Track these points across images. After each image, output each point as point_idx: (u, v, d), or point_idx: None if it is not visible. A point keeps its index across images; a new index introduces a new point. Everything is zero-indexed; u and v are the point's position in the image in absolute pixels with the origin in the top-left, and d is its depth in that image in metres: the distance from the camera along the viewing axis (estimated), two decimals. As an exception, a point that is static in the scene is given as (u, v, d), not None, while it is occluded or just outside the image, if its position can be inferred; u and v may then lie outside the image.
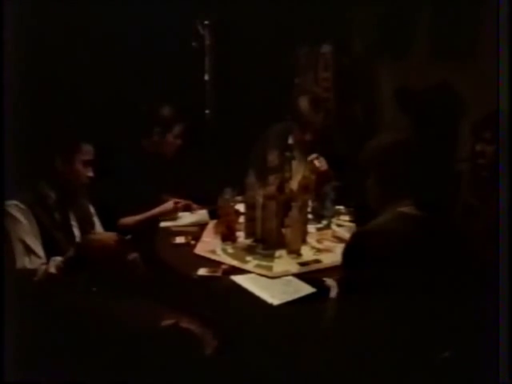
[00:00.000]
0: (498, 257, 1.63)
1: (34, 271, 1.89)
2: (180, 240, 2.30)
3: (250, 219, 2.28)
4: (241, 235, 2.32)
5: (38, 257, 1.92)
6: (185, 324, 1.87)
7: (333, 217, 2.58)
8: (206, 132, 3.80)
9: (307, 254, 2.16)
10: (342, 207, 2.71)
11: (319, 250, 2.20)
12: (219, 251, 2.19)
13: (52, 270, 1.88)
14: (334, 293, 1.71)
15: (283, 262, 2.08)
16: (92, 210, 2.23)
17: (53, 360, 1.80)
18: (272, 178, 2.34)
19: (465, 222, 2.07)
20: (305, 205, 2.31)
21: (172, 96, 3.06)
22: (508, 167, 1.74)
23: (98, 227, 2.23)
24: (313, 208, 2.57)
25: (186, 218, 2.60)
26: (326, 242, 2.29)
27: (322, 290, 1.77)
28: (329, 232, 2.43)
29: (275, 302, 1.75)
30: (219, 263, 2.05)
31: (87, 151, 2.05)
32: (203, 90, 3.81)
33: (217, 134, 3.83)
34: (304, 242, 2.26)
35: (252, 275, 1.96)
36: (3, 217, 1.77)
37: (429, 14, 3.56)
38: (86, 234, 2.09)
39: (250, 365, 1.74)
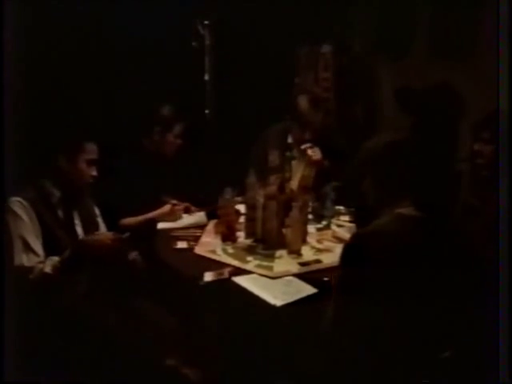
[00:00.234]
0: (498, 257, 1.63)
1: (30, 269, 1.89)
2: (182, 245, 2.29)
3: (251, 219, 2.28)
4: (241, 235, 2.33)
5: (37, 255, 1.91)
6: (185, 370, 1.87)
7: (333, 217, 2.58)
8: (206, 132, 3.80)
9: (307, 254, 2.16)
10: (342, 207, 2.71)
11: (319, 250, 2.20)
12: (219, 251, 2.19)
13: (47, 269, 1.88)
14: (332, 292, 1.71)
15: (284, 262, 2.08)
16: (97, 210, 2.22)
17: (53, 360, 1.80)
18: (272, 178, 2.35)
19: (465, 222, 2.07)
20: (305, 205, 2.31)
21: (172, 96, 3.06)
22: (508, 167, 1.74)
23: (103, 228, 2.22)
24: (313, 208, 2.57)
25: (183, 220, 2.60)
26: (326, 243, 2.30)
27: (323, 290, 1.78)
28: (329, 232, 2.43)
29: (278, 302, 1.75)
30: (223, 265, 2.04)
31: (91, 150, 2.05)
32: (203, 90, 3.81)
33: (217, 134, 3.83)
34: (304, 242, 2.26)
35: (252, 275, 1.96)
36: (4, 215, 1.76)
37: (429, 14, 3.56)
38: (88, 234, 2.08)
39: (251, 365, 1.75)
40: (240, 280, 1.92)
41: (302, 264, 2.06)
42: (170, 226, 2.53)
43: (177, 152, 2.75)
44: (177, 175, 2.73)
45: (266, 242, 2.21)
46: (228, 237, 2.30)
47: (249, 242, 2.28)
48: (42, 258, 1.92)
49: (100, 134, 2.15)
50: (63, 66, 3.13)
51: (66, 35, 3.14)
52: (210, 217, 2.58)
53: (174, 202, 2.63)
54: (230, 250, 2.20)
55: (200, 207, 2.71)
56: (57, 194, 2.01)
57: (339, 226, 2.53)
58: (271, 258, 2.12)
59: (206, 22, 3.72)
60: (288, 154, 2.53)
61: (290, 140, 2.84)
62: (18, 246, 1.90)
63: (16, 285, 1.66)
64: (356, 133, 3.32)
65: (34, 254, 1.91)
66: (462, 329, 1.46)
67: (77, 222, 2.09)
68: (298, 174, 2.51)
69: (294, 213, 2.16)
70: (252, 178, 2.31)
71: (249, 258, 2.11)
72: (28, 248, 1.91)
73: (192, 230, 2.47)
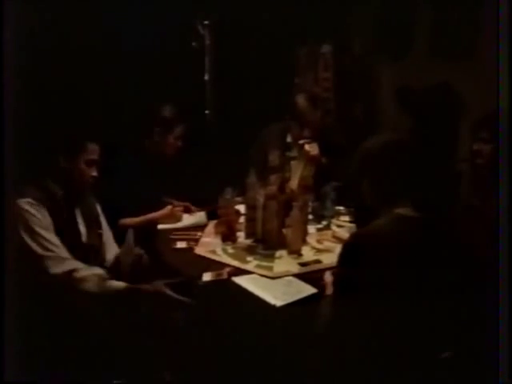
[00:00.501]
0: (498, 257, 1.63)
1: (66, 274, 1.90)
2: (181, 245, 2.29)
3: (251, 219, 2.28)
4: (241, 235, 2.33)
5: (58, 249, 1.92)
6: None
7: (333, 217, 2.58)
8: (207, 132, 3.80)
9: (307, 254, 2.16)
10: (342, 207, 2.71)
11: (319, 251, 2.20)
12: (219, 251, 2.19)
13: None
14: (329, 291, 1.71)
15: (284, 263, 2.08)
16: (99, 209, 2.23)
17: (53, 360, 1.80)
18: (273, 178, 2.34)
19: (464, 222, 2.07)
20: (305, 204, 2.31)
21: (172, 96, 3.06)
22: (508, 167, 1.74)
23: (105, 227, 2.23)
24: (313, 208, 2.57)
25: (184, 220, 2.60)
26: (326, 243, 2.29)
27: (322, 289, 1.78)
28: (329, 232, 2.43)
29: (278, 303, 1.75)
30: (223, 265, 2.04)
31: (92, 150, 2.05)
32: (203, 90, 3.81)
33: (217, 134, 3.83)
34: (304, 242, 2.26)
35: (252, 276, 1.96)
36: (3, 217, 1.76)
37: (429, 14, 3.56)
38: (91, 231, 2.10)
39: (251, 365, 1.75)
40: (240, 280, 1.92)
41: (302, 264, 2.06)
42: (171, 226, 2.53)
43: (177, 152, 2.75)
44: (177, 175, 2.73)
45: (266, 242, 2.21)
46: (228, 237, 2.30)
47: (249, 242, 2.28)
48: (66, 254, 1.93)
49: (100, 135, 2.15)
50: (63, 66, 3.13)
51: (67, 35, 3.14)
52: (210, 217, 2.58)
53: (175, 203, 2.63)
54: (230, 250, 2.20)
55: (200, 207, 2.71)
56: (60, 193, 2.01)
57: (339, 226, 2.53)
58: (271, 258, 2.12)
59: (206, 22, 3.73)
60: (288, 153, 2.53)
61: (289, 139, 2.84)
62: (37, 243, 1.90)
63: (18, 285, 1.66)
64: (356, 132, 3.31)
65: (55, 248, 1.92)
66: (462, 329, 1.46)
67: (79, 221, 2.10)
68: (297, 174, 2.51)
69: (294, 213, 2.16)
70: (252, 178, 2.31)
71: (249, 258, 2.11)
72: (50, 244, 1.91)
73: (192, 232, 2.46)
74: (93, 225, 2.14)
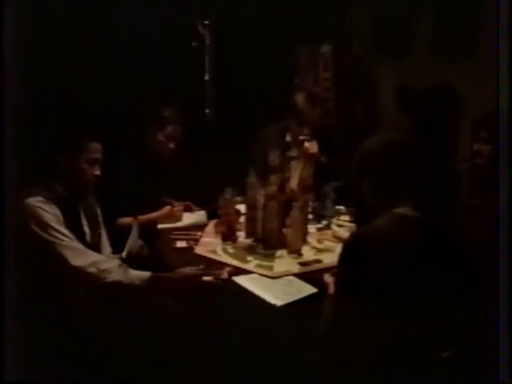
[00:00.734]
0: (498, 257, 1.63)
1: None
2: (181, 244, 2.29)
3: (251, 219, 2.28)
4: (241, 235, 2.33)
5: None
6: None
7: (333, 217, 2.59)
8: (207, 132, 3.80)
9: (308, 253, 2.16)
10: (342, 207, 2.71)
11: (320, 250, 2.20)
12: (220, 251, 2.19)
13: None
14: (331, 290, 1.71)
15: (284, 262, 2.09)
16: (98, 210, 2.23)
17: (53, 360, 1.80)
18: (273, 178, 2.34)
19: (464, 222, 2.07)
20: (305, 204, 2.32)
21: (172, 96, 3.06)
22: (508, 167, 1.74)
23: (103, 228, 2.22)
24: (313, 208, 2.57)
25: (184, 220, 2.60)
26: (327, 242, 2.30)
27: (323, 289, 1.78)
28: (329, 232, 2.43)
29: (278, 302, 1.75)
30: (223, 265, 2.04)
31: (95, 149, 2.04)
32: (203, 90, 3.81)
33: (217, 133, 3.83)
34: (304, 241, 2.26)
35: (252, 275, 1.96)
36: (3, 215, 1.76)
37: (429, 14, 3.56)
38: (93, 231, 2.10)
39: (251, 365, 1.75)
40: (240, 280, 1.92)
41: (303, 264, 2.06)
42: (171, 226, 2.53)
43: (170, 152, 2.74)
44: (177, 175, 2.72)
45: (267, 242, 2.21)
46: (228, 236, 2.30)
47: (249, 241, 2.28)
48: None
49: (101, 134, 2.15)
50: (63, 66, 3.13)
51: (66, 35, 3.14)
52: (210, 216, 2.58)
53: (174, 203, 2.63)
54: (231, 250, 2.20)
55: (200, 207, 2.71)
56: (65, 194, 2.01)
57: (339, 225, 2.53)
58: (271, 257, 2.12)
59: (206, 22, 3.72)
60: (288, 153, 2.53)
61: (288, 138, 2.84)
62: (55, 236, 1.89)
63: (18, 283, 1.66)
64: (356, 132, 3.32)
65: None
66: (462, 329, 1.46)
67: (84, 222, 2.10)
68: (297, 174, 2.51)
69: (295, 212, 2.16)
70: (252, 178, 2.31)
71: (249, 258, 2.11)
72: (67, 238, 1.91)
73: (193, 232, 2.46)
74: (94, 225, 2.14)
